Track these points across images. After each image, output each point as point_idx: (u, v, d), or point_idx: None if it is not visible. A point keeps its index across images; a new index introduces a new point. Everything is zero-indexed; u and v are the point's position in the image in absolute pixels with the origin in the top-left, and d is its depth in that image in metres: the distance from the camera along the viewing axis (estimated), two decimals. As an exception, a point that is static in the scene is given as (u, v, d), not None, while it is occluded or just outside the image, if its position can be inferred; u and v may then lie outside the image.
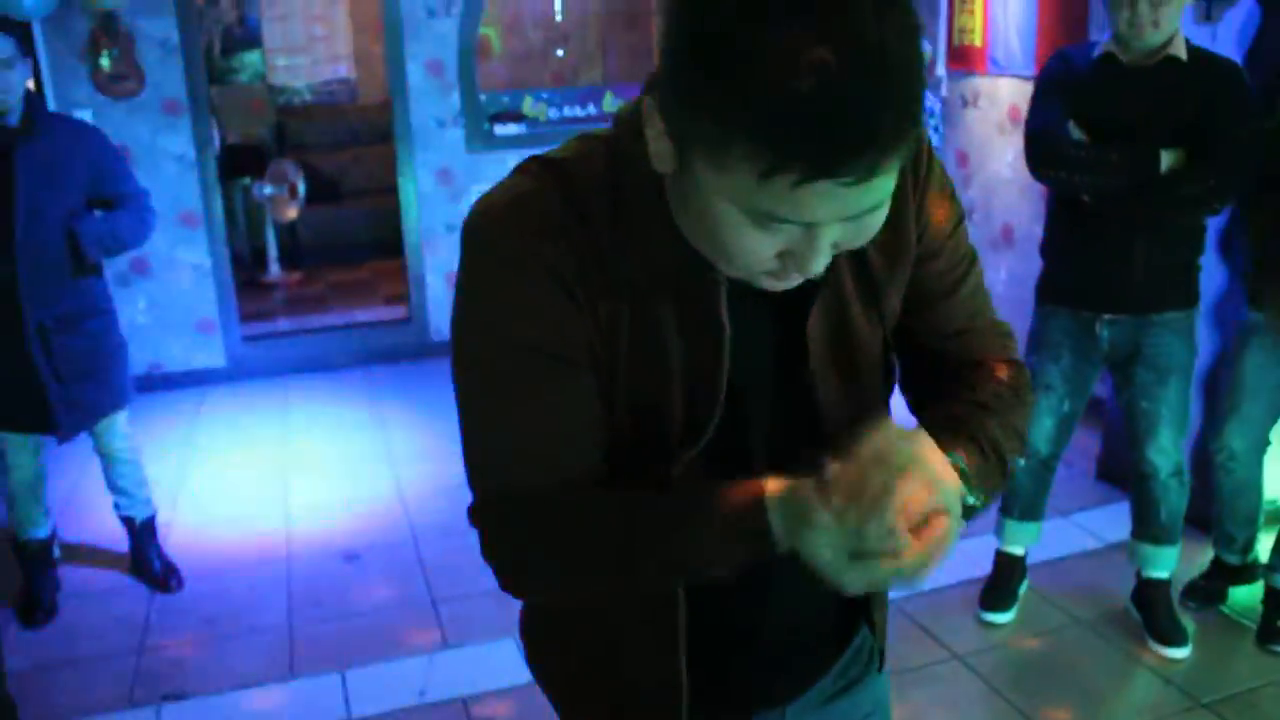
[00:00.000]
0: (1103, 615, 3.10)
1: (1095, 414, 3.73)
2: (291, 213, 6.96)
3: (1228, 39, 3.28)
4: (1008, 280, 4.63)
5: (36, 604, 3.27)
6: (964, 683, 2.84)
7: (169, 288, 5.28)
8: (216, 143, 5.61)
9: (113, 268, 3.19)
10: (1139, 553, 2.98)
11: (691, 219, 0.91)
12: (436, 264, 5.69)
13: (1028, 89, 3.34)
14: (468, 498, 1.05)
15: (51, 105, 4.69)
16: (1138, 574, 3.01)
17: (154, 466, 3.54)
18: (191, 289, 5.34)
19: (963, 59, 4.84)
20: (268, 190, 6.87)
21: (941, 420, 1.03)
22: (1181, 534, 2.95)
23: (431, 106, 5.51)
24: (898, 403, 1.14)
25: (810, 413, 1.05)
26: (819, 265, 0.88)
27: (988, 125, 4.76)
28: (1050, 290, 2.90)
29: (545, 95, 6.78)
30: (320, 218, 7.64)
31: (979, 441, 1.03)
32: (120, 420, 3.30)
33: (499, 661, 2.94)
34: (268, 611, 3.29)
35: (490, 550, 1.04)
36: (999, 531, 3.12)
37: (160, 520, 3.56)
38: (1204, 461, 3.17)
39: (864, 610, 1.24)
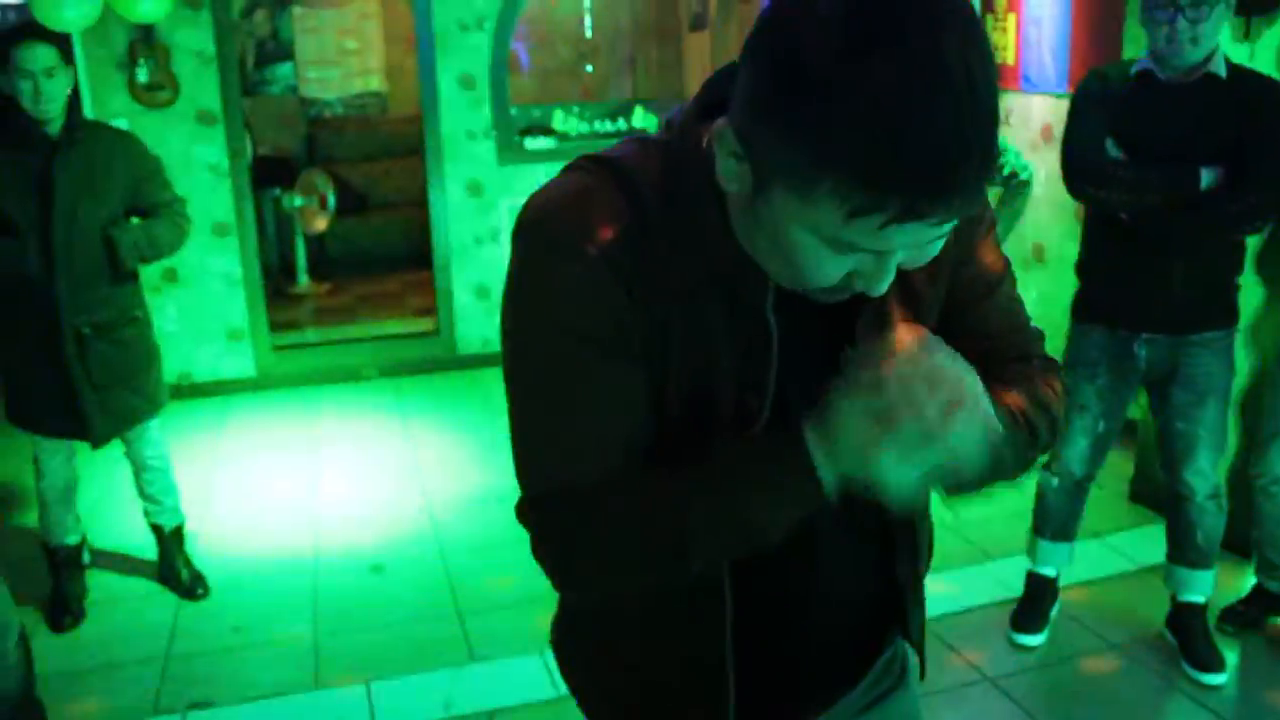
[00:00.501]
0: (1136, 639, 3.05)
1: (1128, 435, 3.69)
2: (321, 224, 7.01)
3: (1266, 57, 3.25)
4: (1039, 299, 4.58)
5: (65, 609, 3.28)
6: (995, 705, 2.80)
7: (199, 296, 5.33)
8: (248, 154, 5.66)
9: (144, 275, 3.21)
10: (1175, 576, 2.93)
11: (760, 237, 0.91)
12: (465, 277, 5.71)
13: (1061, 107, 3.31)
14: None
15: (89, 114, 4.76)
16: (1173, 598, 2.96)
17: (182, 474, 3.55)
18: (222, 298, 5.38)
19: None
20: (298, 201, 6.93)
21: None
22: (1218, 557, 2.91)
23: (462, 119, 5.55)
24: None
25: None
26: (884, 286, 0.90)
27: (1020, 143, 4.72)
28: (1087, 308, 2.87)
29: (575, 109, 6.83)
30: (350, 229, 7.70)
31: (1010, 410, 1.04)
32: (153, 427, 3.32)
33: (525, 675, 2.93)
34: (294, 621, 3.30)
35: (541, 547, 1.03)
36: (1031, 552, 3.09)
37: (188, 528, 3.57)
38: (1241, 484, 3.13)
39: (899, 612, 1.23)
